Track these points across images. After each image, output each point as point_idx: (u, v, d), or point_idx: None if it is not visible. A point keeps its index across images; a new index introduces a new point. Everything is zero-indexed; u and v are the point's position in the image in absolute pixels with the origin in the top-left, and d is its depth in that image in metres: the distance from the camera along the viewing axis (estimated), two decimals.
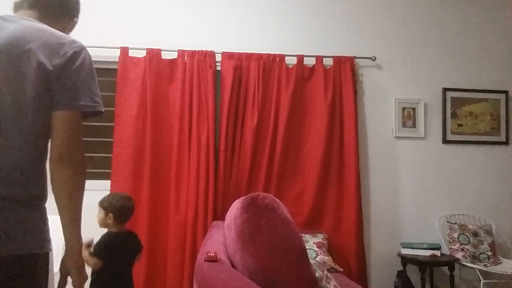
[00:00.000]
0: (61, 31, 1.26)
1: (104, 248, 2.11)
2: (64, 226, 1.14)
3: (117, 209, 2.20)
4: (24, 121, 1.08)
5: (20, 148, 1.08)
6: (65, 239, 1.16)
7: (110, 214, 2.20)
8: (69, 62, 1.15)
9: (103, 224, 2.23)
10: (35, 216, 1.10)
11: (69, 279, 1.23)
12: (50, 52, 1.13)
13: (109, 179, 3.08)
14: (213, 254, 1.50)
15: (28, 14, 1.25)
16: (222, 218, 3.05)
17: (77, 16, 1.40)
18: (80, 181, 1.18)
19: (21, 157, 1.08)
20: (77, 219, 1.15)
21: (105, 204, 2.23)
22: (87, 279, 1.23)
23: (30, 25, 1.16)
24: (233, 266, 1.49)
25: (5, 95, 1.06)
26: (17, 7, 1.29)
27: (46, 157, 1.18)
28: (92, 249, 2.11)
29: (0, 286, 1.01)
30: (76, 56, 1.17)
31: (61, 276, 1.25)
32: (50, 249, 1.14)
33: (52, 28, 1.21)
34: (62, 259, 1.22)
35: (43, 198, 1.15)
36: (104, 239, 2.17)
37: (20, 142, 1.08)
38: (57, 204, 1.14)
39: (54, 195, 1.13)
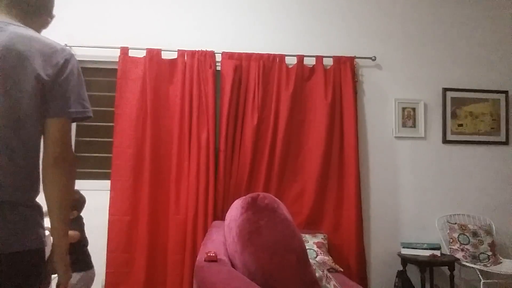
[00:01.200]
0: (39, 29, 1.32)
1: (81, 224, 2.45)
2: (54, 226, 1.20)
3: (81, 205, 2.48)
4: (24, 131, 1.13)
5: (22, 157, 1.14)
6: (54, 238, 1.22)
7: (74, 211, 2.43)
8: (61, 71, 1.20)
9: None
10: (35, 214, 1.17)
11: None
12: (44, 62, 1.16)
13: (109, 179, 3.09)
14: (213, 254, 1.50)
15: (6, 14, 1.24)
16: (222, 218, 3.05)
17: (52, 15, 1.39)
18: (71, 184, 1.24)
19: (23, 165, 1.14)
20: (66, 220, 1.22)
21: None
22: (71, 277, 1.28)
23: (20, 33, 1.17)
24: (233, 266, 1.49)
25: (4, 106, 1.10)
26: None
27: (40, 161, 1.23)
28: None
29: (14, 281, 1.08)
30: (66, 64, 1.22)
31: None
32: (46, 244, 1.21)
33: (40, 35, 1.23)
34: (48, 258, 1.25)
35: (36, 196, 1.21)
36: (81, 223, 2.46)
37: (21, 151, 1.13)
38: (48, 205, 1.20)
39: (46, 197, 1.20)
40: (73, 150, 1.29)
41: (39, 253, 1.15)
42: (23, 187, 1.14)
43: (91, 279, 2.41)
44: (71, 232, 2.26)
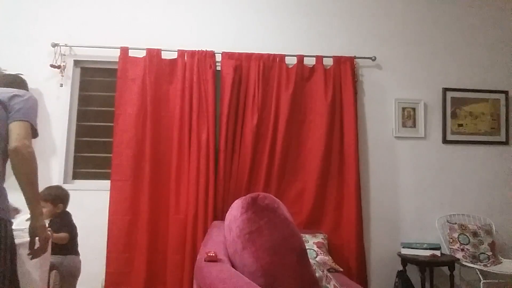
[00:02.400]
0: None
1: (72, 225, 2.55)
2: (28, 201, 1.61)
3: (66, 198, 2.57)
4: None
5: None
6: (31, 211, 1.63)
7: (60, 204, 2.52)
8: None
9: (51, 215, 2.50)
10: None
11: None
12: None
13: (109, 179, 3.08)
14: (213, 254, 1.50)
15: None
16: (222, 218, 3.05)
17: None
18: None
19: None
20: (36, 194, 1.63)
21: (52, 197, 2.51)
22: (49, 239, 1.75)
23: None
24: (233, 266, 1.49)
25: None
26: None
27: None
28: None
29: None
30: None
31: (31, 239, 1.67)
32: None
33: None
34: (29, 226, 1.66)
35: None
36: (70, 220, 2.55)
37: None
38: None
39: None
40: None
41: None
42: None
43: (75, 266, 2.48)
44: (60, 235, 2.41)
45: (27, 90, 2.01)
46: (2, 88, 1.80)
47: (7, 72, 2.17)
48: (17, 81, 2.02)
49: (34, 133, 1.73)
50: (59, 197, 2.55)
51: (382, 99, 3.49)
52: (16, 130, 1.63)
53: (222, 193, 3.10)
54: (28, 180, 1.60)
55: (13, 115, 1.66)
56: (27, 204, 1.62)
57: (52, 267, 2.28)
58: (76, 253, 2.52)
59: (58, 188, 2.61)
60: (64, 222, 2.50)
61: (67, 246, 2.45)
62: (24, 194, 1.60)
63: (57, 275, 2.33)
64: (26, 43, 3.26)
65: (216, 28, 3.41)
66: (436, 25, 3.61)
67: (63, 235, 2.42)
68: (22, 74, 3.05)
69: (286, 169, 3.25)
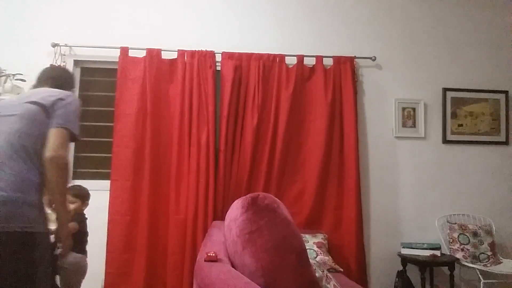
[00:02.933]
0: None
1: (85, 221, 2.57)
2: (56, 209, 1.65)
3: (89, 196, 2.59)
4: None
5: None
6: (58, 218, 1.66)
7: (87, 202, 2.55)
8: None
9: (79, 210, 2.52)
10: None
11: None
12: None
13: (109, 179, 3.08)
14: (213, 254, 1.50)
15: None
16: (222, 218, 3.05)
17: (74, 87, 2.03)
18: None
19: None
20: (65, 203, 1.67)
21: (82, 195, 2.55)
22: (72, 243, 1.79)
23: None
24: (233, 266, 1.49)
25: None
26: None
27: None
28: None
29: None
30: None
31: (56, 240, 1.76)
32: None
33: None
34: (55, 232, 1.71)
35: None
36: (84, 216, 2.56)
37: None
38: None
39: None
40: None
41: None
42: None
43: (83, 265, 2.48)
44: (70, 224, 2.39)
45: (73, 85, 2.00)
46: (49, 89, 1.77)
47: (54, 65, 2.15)
48: (63, 76, 1.96)
49: (74, 138, 1.71)
50: (86, 196, 2.59)
51: (382, 99, 3.49)
52: (52, 138, 1.61)
53: (222, 193, 3.10)
54: (59, 190, 1.61)
55: (53, 121, 1.64)
56: (55, 211, 1.65)
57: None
58: (84, 252, 2.51)
59: (83, 187, 2.63)
60: (77, 216, 2.52)
61: (75, 241, 2.45)
62: (54, 202, 1.63)
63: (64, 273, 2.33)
64: (26, 43, 3.26)
65: (216, 28, 3.41)
66: (436, 25, 3.61)
67: (72, 224, 2.38)
68: (21, 74, 3.06)
69: (286, 169, 3.25)
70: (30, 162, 1.57)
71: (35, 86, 1.89)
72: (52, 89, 1.79)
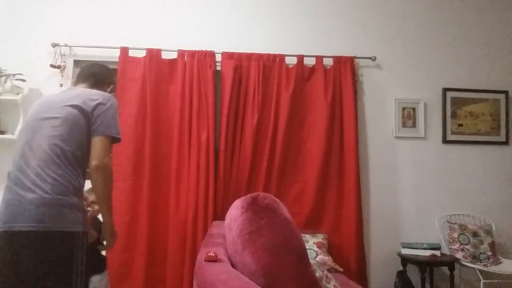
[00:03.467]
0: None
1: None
2: (102, 213, 1.78)
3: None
4: None
5: None
6: (104, 222, 1.79)
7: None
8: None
9: (97, 214, 2.45)
10: None
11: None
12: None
13: None
14: (213, 254, 1.50)
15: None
16: (222, 218, 3.05)
17: (112, 83, 2.07)
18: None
19: None
20: (110, 208, 1.78)
21: None
22: (114, 242, 1.88)
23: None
24: (233, 266, 1.49)
25: None
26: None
27: None
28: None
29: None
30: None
31: (100, 241, 1.87)
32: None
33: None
34: (102, 229, 1.84)
35: None
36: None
37: None
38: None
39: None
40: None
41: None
42: None
43: (107, 281, 2.41)
44: (92, 232, 2.35)
45: (112, 81, 2.05)
46: (90, 91, 1.81)
47: (95, 62, 2.12)
48: (103, 73, 2.00)
49: (116, 140, 1.79)
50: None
51: (382, 99, 3.49)
52: (97, 146, 1.69)
53: (222, 193, 3.10)
54: (104, 197, 1.71)
55: (95, 128, 1.71)
56: (102, 216, 1.78)
57: None
58: (104, 267, 2.35)
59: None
60: (97, 222, 2.46)
61: (93, 252, 2.29)
62: (99, 206, 1.74)
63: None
64: (26, 43, 3.26)
65: (216, 28, 3.41)
66: (436, 25, 3.61)
67: (93, 232, 2.37)
68: (21, 74, 3.06)
69: (286, 169, 3.24)
70: (70, 166, 1.65)
71: (76, 83, 1.96)
72: (92, 91, 1.83)
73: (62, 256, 1.55)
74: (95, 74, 1.96)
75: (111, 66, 3.28)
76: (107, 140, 1.73)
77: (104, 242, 1.87)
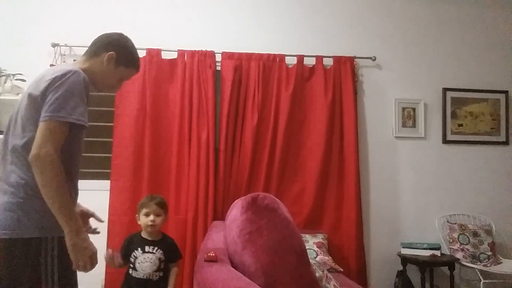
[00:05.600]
0: (97, 64, 1.63)
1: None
2: (56, 216, 1.35)
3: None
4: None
5: None
6: (62, 228, 1.36)
7: (167, 215, 2.40)
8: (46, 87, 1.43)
9: (162, 224, 2.36)
10: None
11: None
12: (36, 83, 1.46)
13: (109, 179, 3.08)
14: (213, 254, 1.50)
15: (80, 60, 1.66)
16: (222, 218, 3.05)
17: (113, 50, 1.68)
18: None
19: None
20: (63, 208, 1.35)
21: (165, 205, 2.37)
22: (88, 262, 1.40)
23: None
24: (233, 266, 1.49)
25: None
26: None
27: None
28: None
29: None
30: (52, 81, 1.43)
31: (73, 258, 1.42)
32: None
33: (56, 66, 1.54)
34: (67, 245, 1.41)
35: None
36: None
37: None
38: None
39: None
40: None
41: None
42: None
43: None
44: (175, 270, 2.30)
45: (112, 47, 1.66)
46: (50, 70, 1.47)
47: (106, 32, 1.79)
48: (103, 40, 1.68)
49: (76, 126, 1.43)
50: (167, 207, 2.40)
51: (382, 99, 3.49)
52: (38, 135, 1.35)
53: (222, 193, 3.10)
54: (47, 193, 1.33)
55: (42, 113, 1.38)
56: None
57: None
58: None
59: (162, 197, 2.44)
60: (176, 249, 2.34)
61: None
62: (50, 206, 1.35)
63: None
64: (26, 43, 3.26)
65: (216, 28, 3.41)
66: (436, 25, 3.61)
67: (176, 270, 2.28)
68: (21, 74, 3.06)
69: (286, 169, 3.24)
70: (17, 163, 1.41)
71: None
72: (58, 67, 1.49)
73: (21, 266, 1.35)
74: (95, 43, 1.67)
75: None
76: (50, 125, 1.35)
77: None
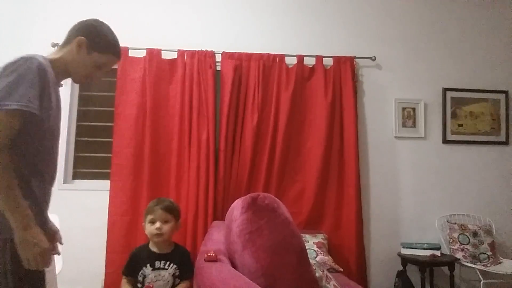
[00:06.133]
0: (69, 52, 1.57)
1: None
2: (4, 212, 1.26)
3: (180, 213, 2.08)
4: None
5: None
6: (11, 224, 1.26)
7: (179, 222, 2.10)
8: None
9: (172, 233, 2.02)
10: None
11: None
12: None
13: (109, 179, 3.08)
14: (213, 254, 1.50)
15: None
16: (222, 218, 3.05)
17: (82, 35, 1.57)
18: None
19: None
20: (8, 203, 1.25)
21: (176, 210, 2.06)
22: (39, 258, 1.28)
23: None
24: (233, 266, 1.49)
25: None
26: None
27: None
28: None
29: None
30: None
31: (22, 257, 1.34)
32: None
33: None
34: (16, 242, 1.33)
35: None
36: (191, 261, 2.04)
37: None
38: None
39: None
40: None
41: None
42: None
43: None
44: (185, 284, 1.97)
45: (82, 32, 1.57)
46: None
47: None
48: (75, 26, 1.60)
49: (28, 115, 1.30)
50: (179, 211, 2.10)
51: (382, 99, 3.49)
52: None
53: (222, 193, 3.10)
54: None
55: None
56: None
57: None
58: None
59: (172, 201, 2.16)
60: (190, 263, 1.94)
61: None
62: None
63: None
64: (26, 43, 3.26)
65: (216, 28, 3.41)
66: (436, 25, 3.61)
67: (187, 285, 1.88)
68: None
69: (286, 169, 3.24)
70: None
71: None
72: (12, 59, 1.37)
73: None
74: (69, 31, 1.60)
75: None
76: None
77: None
